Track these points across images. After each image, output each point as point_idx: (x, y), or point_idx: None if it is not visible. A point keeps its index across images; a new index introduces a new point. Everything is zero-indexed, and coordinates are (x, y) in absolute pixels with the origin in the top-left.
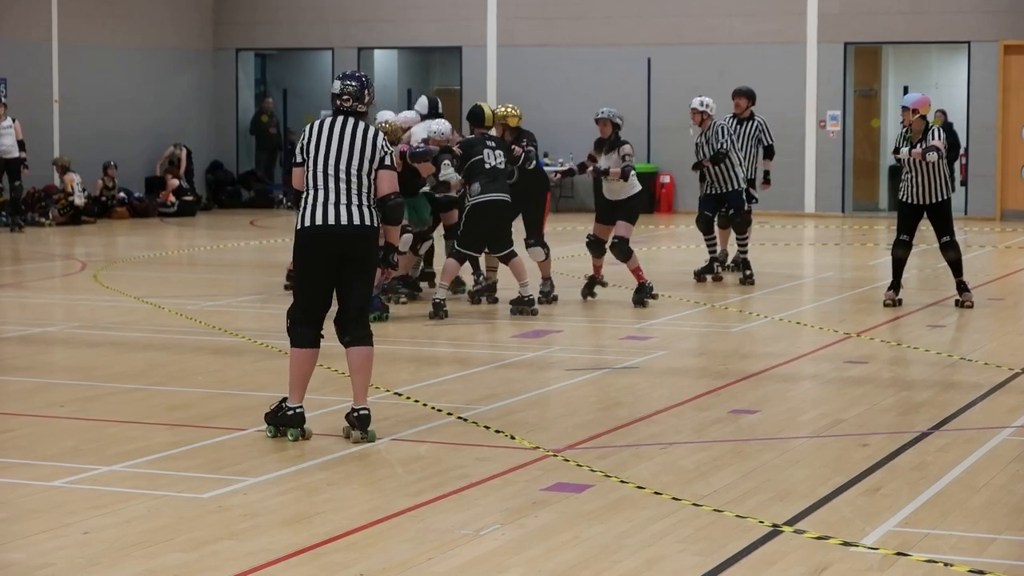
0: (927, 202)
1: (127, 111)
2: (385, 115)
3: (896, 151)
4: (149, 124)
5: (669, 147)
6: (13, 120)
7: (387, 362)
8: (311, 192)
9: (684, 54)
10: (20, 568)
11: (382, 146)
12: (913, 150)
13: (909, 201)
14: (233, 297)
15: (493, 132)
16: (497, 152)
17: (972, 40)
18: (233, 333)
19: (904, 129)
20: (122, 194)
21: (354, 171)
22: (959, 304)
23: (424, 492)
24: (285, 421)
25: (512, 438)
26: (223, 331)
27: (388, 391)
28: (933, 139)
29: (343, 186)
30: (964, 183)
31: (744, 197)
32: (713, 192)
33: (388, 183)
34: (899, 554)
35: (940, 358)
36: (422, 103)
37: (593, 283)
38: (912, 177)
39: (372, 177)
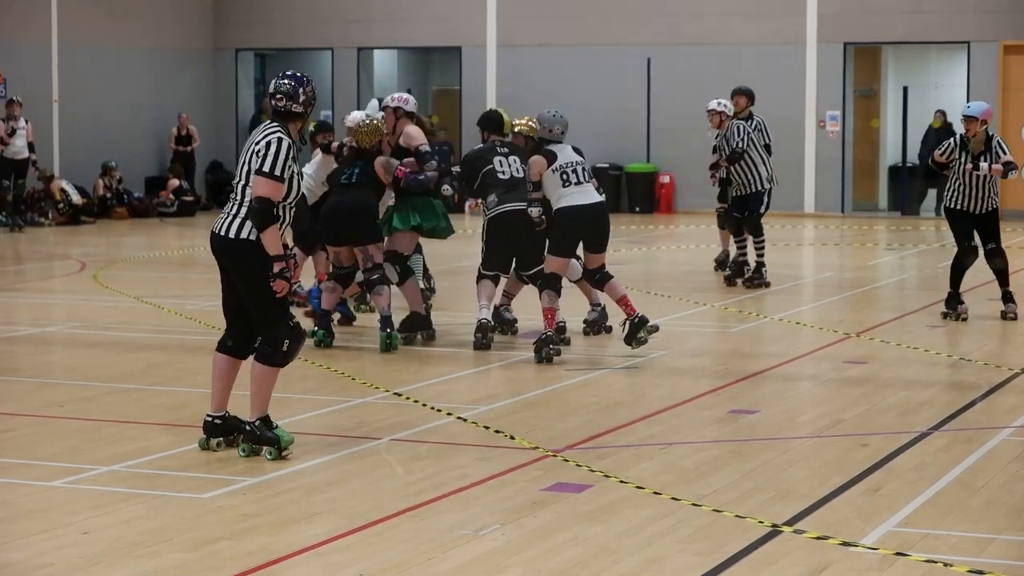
0: (978, 211)
1: (126, 111)
2: (355, 116)
3: (975, 167)
4: (148, 124)
5: (669, 147)
6: (26, 121)
7: (387, 362)
8: None
9: (684, 54)
10: (19, 568)
11: (258, 151)
12: (994, 167)
13: (960, 208)
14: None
15: (508, 138)
16: (511, 159)
17: (972, 40)
18: None
19: (959, 137)
20: (114, 188)
21: (238, 178)
22: (1004, 316)
23: (423, 492)
24: (265, 440)
25: (512, 438)
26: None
27: (388, 391)
28: (1004, 153)
29: (233, 194)
30: None
31: (765, 199)
32: (740, 193)
33: (257, 187)
34: (898, 554)
35: (940, 358)
36: (372, 105)
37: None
38: (962, 187)
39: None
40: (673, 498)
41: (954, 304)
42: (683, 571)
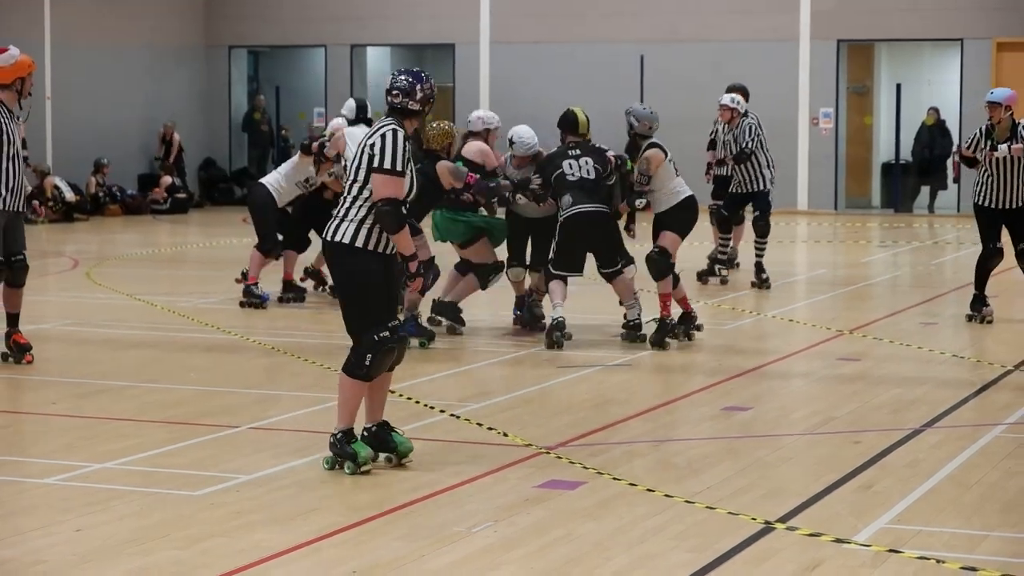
0: (1009, 206)
1: (119, 108)
2: (337, 122)
3: (994, 148)
4: (141, 121)
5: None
6: (19, 119)
7: None
8: None
9: (678, 51)
10: (12, 565)
11: (372, 146)
12: (1014, 146)
13: (988, 205)
14: (226, 294)
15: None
16: (583, 160)
17: (965, 37)
18: (226, 330)
19: (985, 127)
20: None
21: (351, 178)
22: None
23: (417, 489)
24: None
25: (505, 435)
26: (216, 328)
27: None
28: None
29: (344, 196)
30: (957, 180)
31: (770, 199)
32: (740, 191)
33: (378, 187)
34: (891, 551)
35: (933, 355)
36: (349, 106)
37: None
38: (992, 180)
39: (367, 185)
40: (666, 495)
41: (979, 306)
42: (676, 568)
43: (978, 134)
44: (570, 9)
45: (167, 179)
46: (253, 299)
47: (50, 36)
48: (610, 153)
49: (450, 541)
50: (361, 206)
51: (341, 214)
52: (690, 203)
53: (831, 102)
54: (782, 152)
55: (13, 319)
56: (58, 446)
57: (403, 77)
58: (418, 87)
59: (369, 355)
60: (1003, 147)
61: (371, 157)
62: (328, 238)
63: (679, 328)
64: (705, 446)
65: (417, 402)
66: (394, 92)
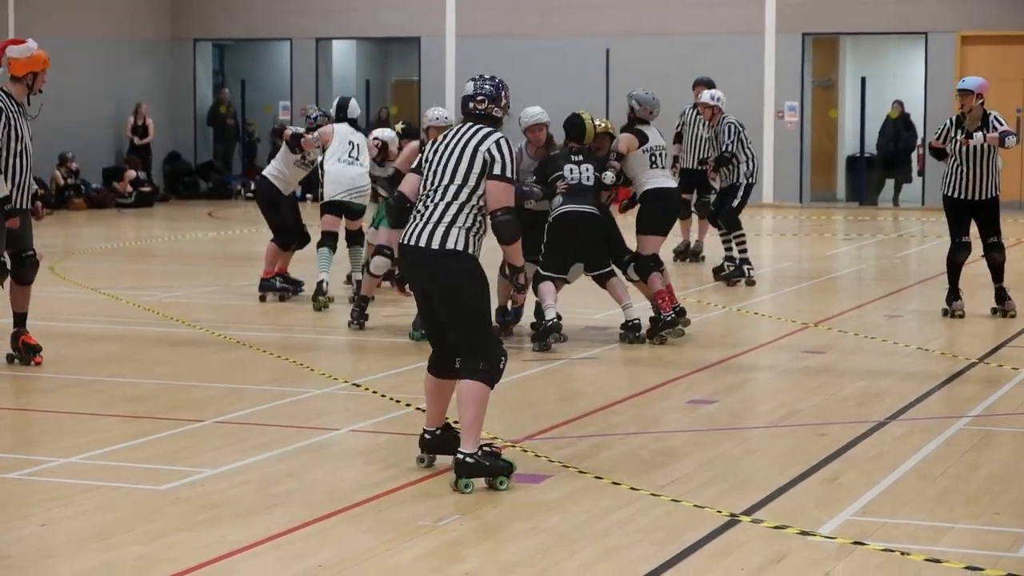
0: (978, 197)
1: (84, 102)
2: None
3: (968, 136)
4: (106, 115)
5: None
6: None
7: (345, 352)
8: (415, 207)
9: (643, 45)
10: None
11: (489, 151)
12: (989, 135)
13: (958, 196)
14: (191, 288)
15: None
16: (584, 167)
17: (929, 31)
18: (191, 324)
19: (954, 117)
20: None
21: (441, 181)
22: (997, 313)
23: (382, 483)
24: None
25: None
26: (181, 322)
27: (347, 382)
28: (1002, 124)
29: (431, 198)
30: (921, 173)
31: (740, 193)
32: (721, 186)
33: (498, 195)
34: (856, 543)
35: (897, 348)
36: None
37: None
38: (962, 170)
39: (477, 191)
40: (632, 488)
41: (951, 300)
42: (641, 561)
43: (948, 124)
44: (535, 3)
45: (131, 173)
46: (272, 290)
47: (14, 30)
48: (612, 163)
49: (417, 534)
50: (470, 213)
51: (447, 220)
52: (655, 195)
53: (796, 95)
54: None
55: (20, 319)
56: (21, 440)
57: (488, 84)
58: (503, 94)
59: (503, 359)
60: (978, 135)
61: (489, 163)
62: (436, 246)
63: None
64: (671, 439)
65: (383, 396)
66: (479, 98)
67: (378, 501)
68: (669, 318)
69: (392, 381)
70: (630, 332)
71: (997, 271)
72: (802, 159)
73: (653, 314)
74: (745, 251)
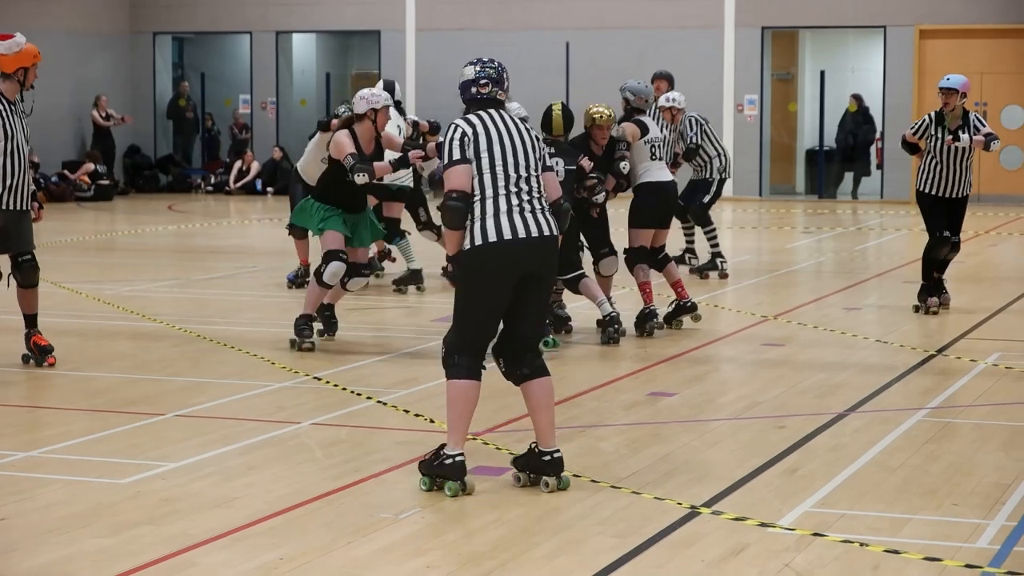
0: (952, 195)
1: (43, 95)
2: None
3: (956, 138)
4: (66, 108)
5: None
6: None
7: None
8: (488, 200)
9: (603, 38)
10: None
11: (539, 144)
12: (976, 137)
13: (932, 192)
14: (151, 282)
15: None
16: (554, 160)
17: (888, 25)
18: (151, 318)
19: (934, 114)
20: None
21: (534, 172)
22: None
23: (344, 476)
24: (442, 472)
25: (431, 422)
26: (141, 316)
27: (308, 375)
28: (983, 126)
29: (525, 188)
30: (880, 167)
31: (712, 189)
32: (696, 179)
33: (554, 186)
34: (815, 534)
35: (856, 340)
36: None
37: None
38: (939, 168)
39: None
40: (592, 480)
41: (925, 296)
42: (602, 553)
43: (928, 121)
44: None
45: (89, 165)
46: (300, 280)
47: None
48: (583, 160)
49: (378, 527)
50: (542, 197)
51: (544, 207)
52: (650, 189)
53: (756, 89)
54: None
55: (30, 320)
56: None
57: (490, 67)
58: (505, 75)
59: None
60: (965, 137)
61: (543, 153)
62: (556, 232)
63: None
64: (631, 431)
65: (344, 389)
66: (482, 82)
67: (339, 494)
68: (648, 310)
69: (353, 375)
70: (607, 326)
71: (944, 265)
72: (761, 152)
73: (646, 307)
74: (717, 245)
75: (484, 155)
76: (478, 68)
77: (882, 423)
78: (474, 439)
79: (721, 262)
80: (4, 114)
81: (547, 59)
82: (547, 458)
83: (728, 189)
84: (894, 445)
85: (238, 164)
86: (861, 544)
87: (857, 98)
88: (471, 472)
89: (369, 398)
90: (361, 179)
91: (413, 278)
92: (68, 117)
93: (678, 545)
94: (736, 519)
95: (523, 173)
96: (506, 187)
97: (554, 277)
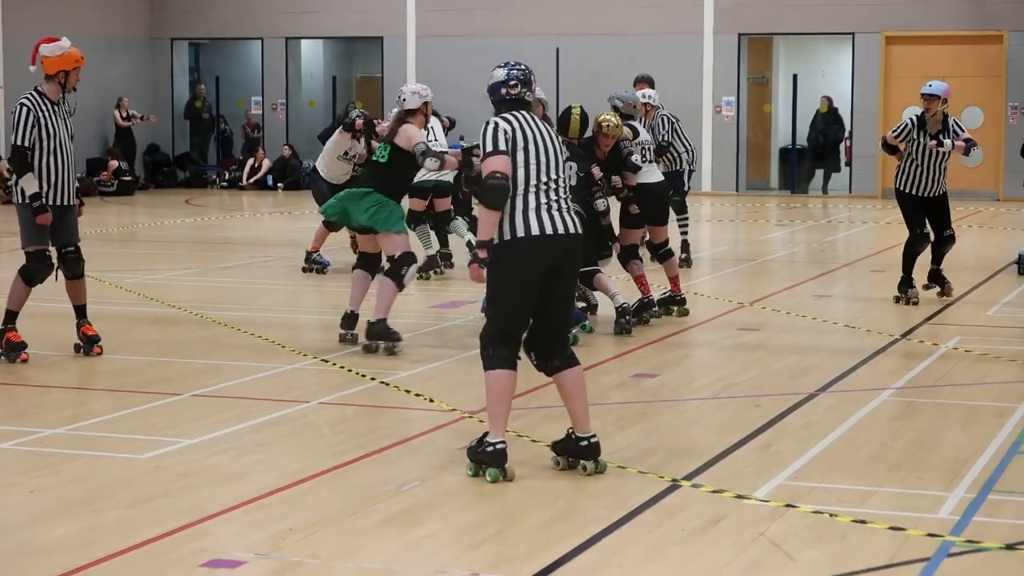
0: (930, 194)
1: (70, 97)
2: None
3: (939, 143)
4: (90, 109)
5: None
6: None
7: (314, 330)
8: (519, 197)
9: (590, 44)
10: None
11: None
12: (957, 143)
13: (911, 192)
14: (170, 271)
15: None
16: (567, 165)
17: (856, 31)
18: (170, 305)
19: (915, 118)
20: None
21: (561, 174)
22: (930, 289)
23: (349, 452)
24: (484, 459)
25: (431, 401)
26: (161, 303)
27: (316, 358)
28: (962, 131)
29: (554, 187)
30: (848, 164)
31: (684, 179)
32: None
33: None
34: (788, 506)
35: (827, 325)
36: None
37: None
38: (917, 169)
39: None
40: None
41: (905, 288)
42: (591, 523)
43: (909, 124)
44: (490, 4)
45: (114, 163)
46: (315, 265)
47: (2, 28)
48: (594, 168)
49: (380, 500)
50: (568, 197)
51: (570, 206)
52: (641, 190)
53: (733, 91)
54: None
55: (79, 311)
56: (11, 413)
57: (517, 69)
58: (532, 77)
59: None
60: (948, 143)
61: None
62: (580, 230)
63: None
64: (617, 410)
65: (350, 370)
66: (512, 83)
67: (344, 469)
68: (647, 300)
69: (358, 357)
70: (620, 317)
71: (941, 257)
72: (738, 150)
73: (643, 296)
74: (686, 233)
75: (520, 153)
76: (507, 70)
77: (850, 402)
78: (470, 417)
79: (686, 256)
80: (46, 114)
81: (538, 63)
82: (584, 443)
83: (707, 185)
84: (861, 423)
85: (250, 161)
86: (831, 515)
87: (827, 100)
88: (468, 446)
89: (373, 379)
90: (432, 164)
91: (431, 264)
92: (92, 118)
93: (661, 515)
94: (715, 491)
95: (552, 175)
96: (536, 186)
97: (578, 273)
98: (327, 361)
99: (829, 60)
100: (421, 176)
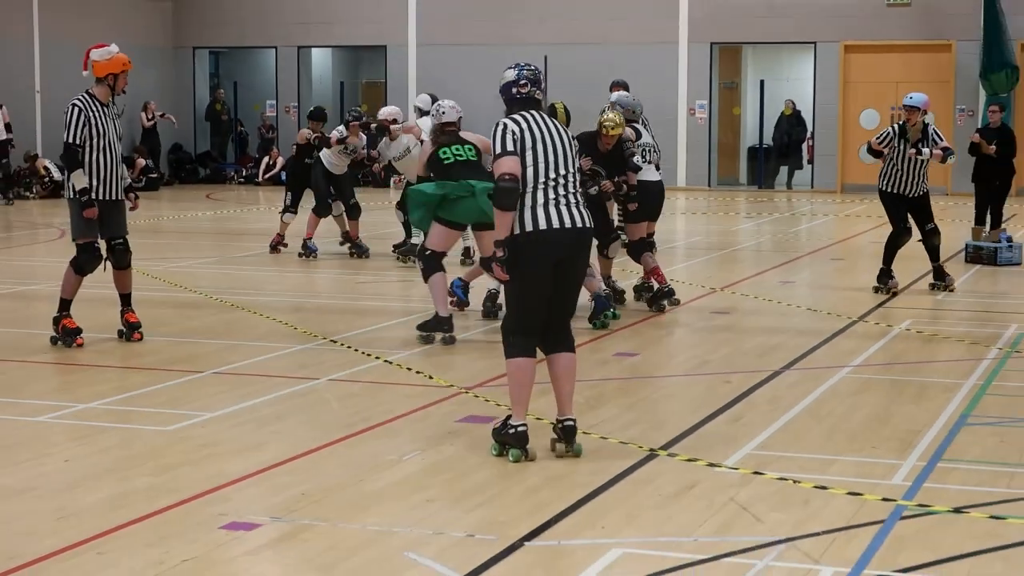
0: (911, 194)
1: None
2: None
3: (919, 151)
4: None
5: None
6: (1, 106)
7: (322, 313)
8: (528, 194)
9: (576, 52)
10: (8, 491)
11: (573, 138)
12: (935, 151)
13: (894, 192)
14: (192, 259)
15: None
16: None
17: (818, 41)
18: (192, 290)
19: (898, 127)
20: None
21: (571, 169)
22: (935, 288)
23: (356, 424)
24: (507, 440)
25: (431, 378)
26: (184, 288)
27: (325, 339)
28: (941, 140)
29: (563, 182)
30: (811, 162)
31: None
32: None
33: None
34: (756, 473)
35: (791, 309)
36: (424, 99)
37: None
38: (898, 172)
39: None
40: None
41: (885, 279)
42: (576, 488)
43: (891, 133)
44: (484, 14)
45: (141, 161)
46: (306, 251)
47: (39, 37)
48: (583, 160)
49: (384, 467)
50: (578, 192)
51: (580, 201)
52: (642, 188)
53: (705, 95)
54: (664, 138)
55: (125, 299)
56: (49, 388)
57: (527, 69)
58: (540, 76)
59: None
60: (926, 151)
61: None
62: (590, 224)
63: (653, 297)
64: (600, 386)
65: (356, 350)
66: (522, 83)
67: (352, 439)
68: (667, 289)
69: (364, 338)
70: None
71: (934, 252)
72: (710, 149)
73: (656, 287)
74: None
75: (528, 152)
76: (517, 70)
77: (812, 379)
78: (466, 392)
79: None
80: (96, 115)
81: None
82: (559, 425)
83: (681, 180)
84: (822, 398)
85: (265, 159)
86: (794, 481)
87: (791, 103)
88: (464, 420)
89: (378, 358)
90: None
91: (413, 250)
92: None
93: (640, 482)
94: (689, 460)
95: (561, 171)
96: (544, 183)
97: (586, 264)
98: (335, 342)
99: (793, 67)
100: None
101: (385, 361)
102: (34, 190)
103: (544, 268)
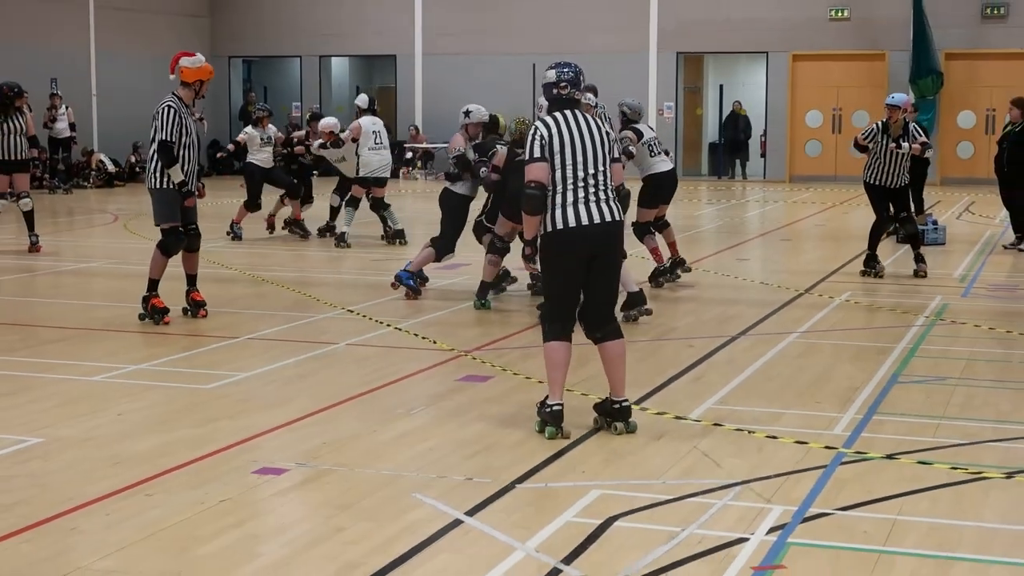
0: (892, 185)
1: (148, 102)
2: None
3: (899, 146)
4: None
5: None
6: (67, 108)
7: (342, 287)
8: (559, 193)
9: (560, 60)
10: (69, 441)
11: (609, 137)
12: (914, 145)
13: (877, 183)
14: (228, 240)
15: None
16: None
17: (770, 51)
18: (227, 267)
19: (880, 123)
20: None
21: (601, 167)
22: (916, 274)
23: (370, 382)
24: (544, 417)
25: (434, 342)
26: (221, 265)
27: (343, 309)
28: (920, 135)
29: (592, 182)
30: (763, 155)
31: None
32: None
33: (620, 174)
34: (716, 424)
35: (746, 283)
36: (363, 99)
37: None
38: (881, 165)
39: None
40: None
41: (872, 263)
42: (561, 439)
43: (875, 129)
44: (480, 28)
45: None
46: (233, 233)
47: (95, 46)
48: (629, 149)
49: (394, 420)
50: (609, 188)
51: (612, 196)
52: (656, 179)
53: (672, 98)
54: None
55: (191, 279)
56: (104, 352)
57: (567, 70)
58: (581, 78)
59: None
60: (905, 145)
61: (612, 146)
62: (620, 218)
63: (668, 271)
64: (581, 350)
65: (370, 319)
66: (562, 84)
67: (366, 396)
68: (663, 267)
69: (376, 309)
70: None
71: (914, 239)
72: (676, 144)
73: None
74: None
75: (558, 154)
76: (558, 72)
77: (764, 343)
78: (466, 355)
79: None
80: (182, 116)
81: (518, 77)
82: (616, 406)
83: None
84: (773, 359)
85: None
86: (749, 432)
87: (738, 103)
88: (463, 379)
89: (389, 325)
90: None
91: (398, 235)
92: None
93: (615, 433)
94: (658, 413)
95: (591, 169)
96: (574, 181)
97: (621, 256)
98: (352, 311)
99: (747, 73)
100: (370, 170)
101: (396, 328)
102: (91, 180)
103: (574, 263)
